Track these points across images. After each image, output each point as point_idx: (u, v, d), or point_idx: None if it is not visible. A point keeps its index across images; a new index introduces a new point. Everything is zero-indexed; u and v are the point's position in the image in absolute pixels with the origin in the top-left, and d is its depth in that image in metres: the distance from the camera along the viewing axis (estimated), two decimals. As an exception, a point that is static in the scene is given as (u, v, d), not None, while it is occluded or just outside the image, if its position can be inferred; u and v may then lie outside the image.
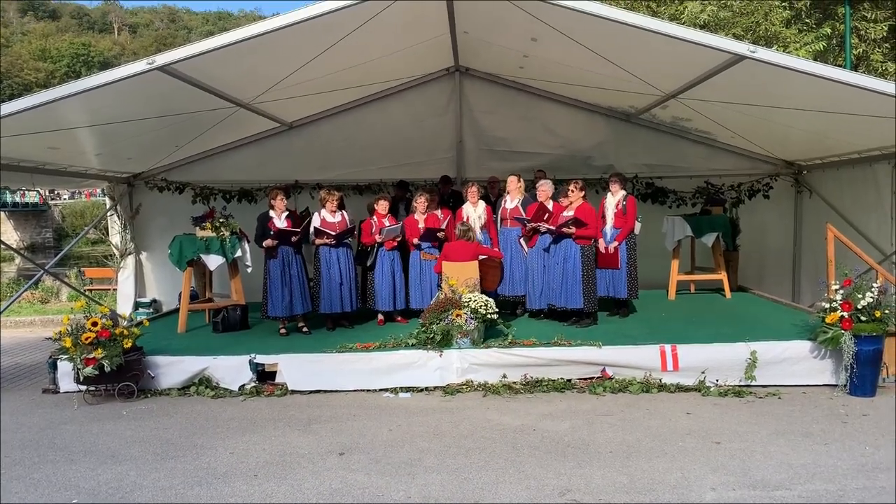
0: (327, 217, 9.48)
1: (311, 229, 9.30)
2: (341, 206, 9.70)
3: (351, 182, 12.23)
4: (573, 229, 8.93)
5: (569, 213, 9.28)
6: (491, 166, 12.23)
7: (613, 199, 9.96)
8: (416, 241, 9.75)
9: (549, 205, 9.51)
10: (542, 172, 11.04)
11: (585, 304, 9.17)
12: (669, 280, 11.41)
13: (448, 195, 11.07)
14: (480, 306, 8.30)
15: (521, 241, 9.87)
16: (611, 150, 12.23)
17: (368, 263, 9.74)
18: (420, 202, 10.02)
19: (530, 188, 10.36)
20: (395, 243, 9.65)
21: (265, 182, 12.01)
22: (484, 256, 9.42)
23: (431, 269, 9.68)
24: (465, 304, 8.27)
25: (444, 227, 9.86)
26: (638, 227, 10.00)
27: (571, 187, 9.30)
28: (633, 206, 9.87)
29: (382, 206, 9.83)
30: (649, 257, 11.22)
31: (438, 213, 10.06)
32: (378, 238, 9.61)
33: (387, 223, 9.77)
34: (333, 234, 9.21)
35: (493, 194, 11.10)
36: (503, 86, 11.74)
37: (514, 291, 9.99)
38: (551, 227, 9.09)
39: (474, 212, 10.10)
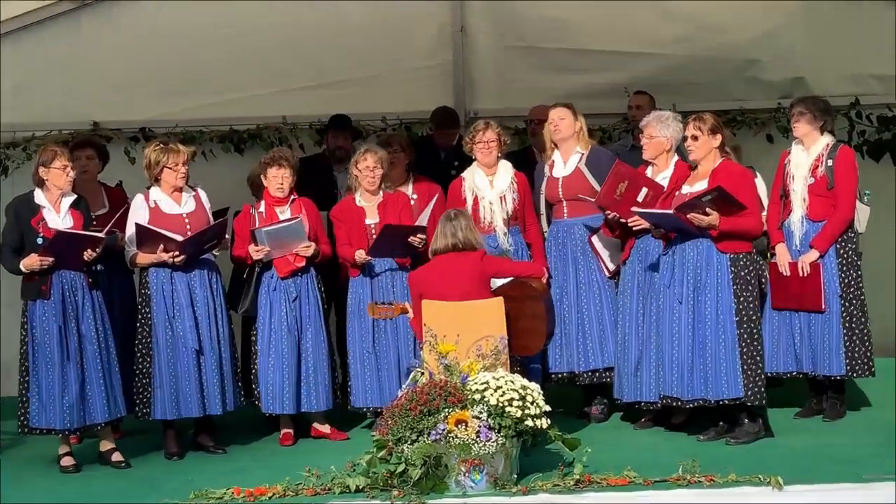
0: (163, 205, 6.91)
1: (126, 233, 7.00)
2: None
3: (219, 123, 9.37)
4: (714, 218, 6.45)
5: (697, 187, 6.69)
6: (531, 84, 9.25)
7: (805, 154, 7.08)
8: (359, 256, 7.07)
9: (666, 172, 7.13)
10: (646, 96, 8.47)
11: (748, 390, 6.51)
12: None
13: (447, 152, 8.27)
14: (510, 400, 5.97)
15: (597, 246, 7.33)
16: (800, 44, 9.07)
17: (241, 310, 7.18)
18: (366, 168, 7.11)
19: (616, 132, 8.96)
20: (303, 261, 7.06)
21: (23, 128, 9.11)
22: (507, 280, 6.84)
23: (399, 322, 7.26)
24: (475, 394, 6.00)
25: (422, 222, 7.17)
26: (864, 216, 7.15)
27: (692, 128, 6.74)
28: (852, 171, 7.00)
29: (277, 180, 7.13)
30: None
31: (410, 191, 7.61)
32: (257, 253, 7.02)
33: (284, 216, 7.11)
34: (179, 238, 6.76)
35: (536, 148, 7.97)
36: None
37: (587, 363, 7.34)
38: (670, 215, 6.62)
39: (490, 188, 7.32)
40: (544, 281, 7.11)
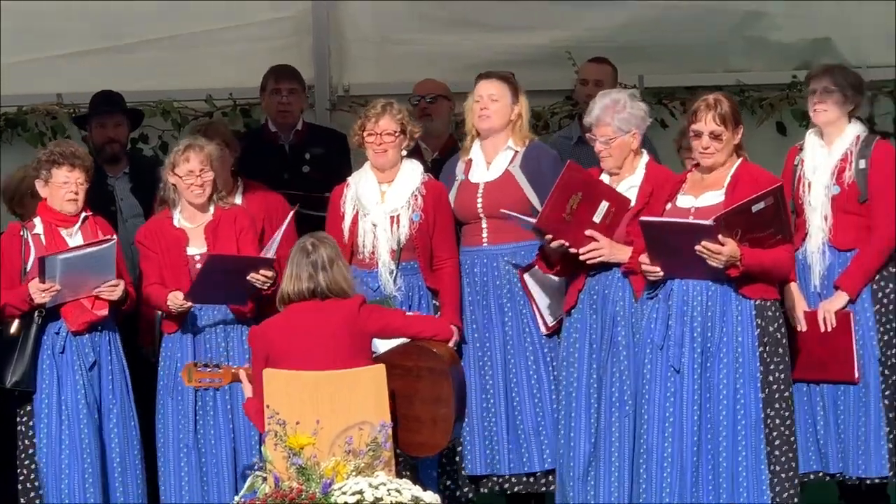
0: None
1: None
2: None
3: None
4: (733, 249, 5.68)
5: (707, 200, 5.94)
6: (428, 47, 8.42)
7: (826, 151, 6.30)
8: (174, 300, 6.32)
9: (633, 178, 6.28)
10: (607, 66, 7.80)
11: (778, 500, 6.03)
12: None
13: (293, 143, 7.68)
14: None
15: (532, 290, 6.41)
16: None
17: (10, 381, 6.35)
18: (189, 173, 6.36)
19: (555, 117, 8.32)
20: (105, 308, 6.36)
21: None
22: (397, 343, 6.13)
23: (237, 401, 6.47)
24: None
25: (269, 252, 6.43)
26: None
27: (711, 120, 5.77)
28: (894, 179, 6.31)
29: (68, 188, 6.32)
30: None
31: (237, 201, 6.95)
32: (42, 295, 6.35)
33: (74, 241, 6.53)
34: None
35: (426, 141, 7.36)
36: None
37: (519, 464, 6.39)
38: (701, 228, 5.85)
39: (379, 201, 6.40)
40: (453, 345, 6.23)
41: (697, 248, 5.82)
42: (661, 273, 5.92)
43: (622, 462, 6.18)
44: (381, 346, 6.17)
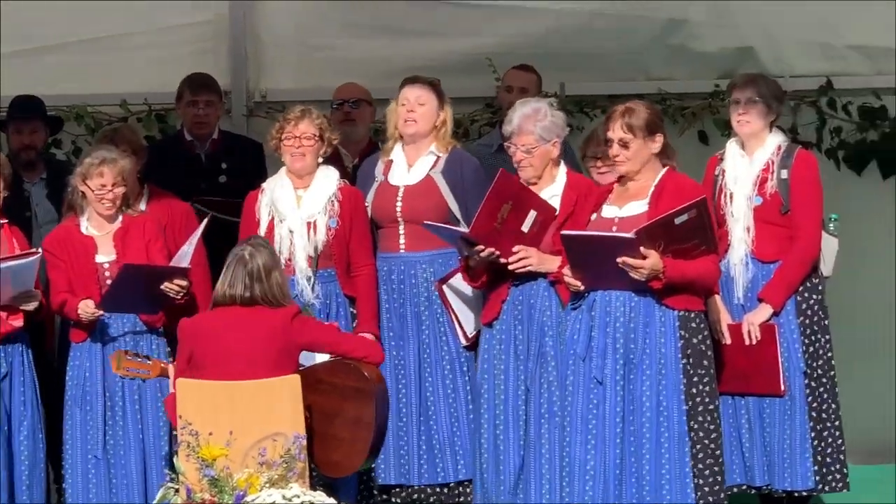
0: None
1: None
2: None
3: None
4: (656, 262, 5.65)
5: (631, 210, 5.95)
6: (349, 53, 8.26)
7: (747, 161, 6.37)
8: (84, 309, 6.22)
9: (554, 188, 6.32)
10: (532, 74, 7.65)
11: None
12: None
13: (208, 151, 7.52)
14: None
15: (452, 301, 6.41)
16: (743, 3, 8.43)
17: None
18: (101, 186, 6.31)
19: (475, 125, 8.24)
20: (20, 320, 6.31)
21: None
22: (325, 360, 6.11)
23: (148, 406, 6.46)
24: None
25: (182, 261, 6.33)
26: (830, 252, 6.43)
27: (619, 128, 5.79)
28: (816, 186, 6.39)
29: None
30: (877, 350, 7.93)
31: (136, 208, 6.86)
32: None
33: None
34: None
35: (346, 146, 7.22)
36: None
37: (432, 475, 6.45)
38: (622, 241, 5.86)
39: (295, 207, 6.42)
40: (376, 360, 6.20)
41: (619, 261, 5.76)
42: (583, 287, 5.86)
43: (553, 475, 6.10)
44: (307, 359, 6.07)
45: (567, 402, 6.01)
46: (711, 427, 5.97)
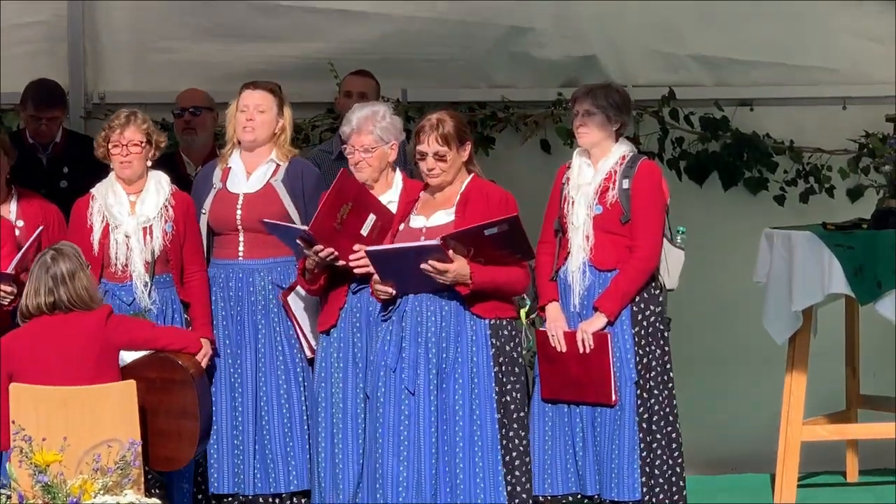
0: None
1: None
2: None
3: None
4: (462, 266, 5.80)
5: (438, 219, 6.10)
6: (189, 56, 8.15)
7: (591, 170, 6.44)
8: None
9: (391, 194, 6.36)
10: (370, 79, 7.67)
11: None
12: (781, 437, 7.43)
13: (50, 154, 7.43)
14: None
15: (296, 311, 6.42)
16: (592, 6, 8.16)
17: None
18: None
19: (315, 131, 8.18)
20: None
21: None
22: (141, 355, 6.24)
23: None
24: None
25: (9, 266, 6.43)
26: (676, 264, 6.46)
27: (434, 141, 5.89)
28: (658, 196, 6.44)
29: None
30: (717, 361, 7.96)
31: (13, 213, 6.75)
32: None
33: None
34: None
35: (187, 152, 7.42)
36: None
37: (266, 483, 6.49)
38: (428, 249, 6.00)
39: (129, 213, 6.49)
40: (202, 358, 6.14)
41: (423, 266, 5.82)
42: (394, 292, 5.92)
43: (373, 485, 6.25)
44: (127, 356, 6.07)
45: (378, 413, 6.05)
46: (522, 434, 6.05)
